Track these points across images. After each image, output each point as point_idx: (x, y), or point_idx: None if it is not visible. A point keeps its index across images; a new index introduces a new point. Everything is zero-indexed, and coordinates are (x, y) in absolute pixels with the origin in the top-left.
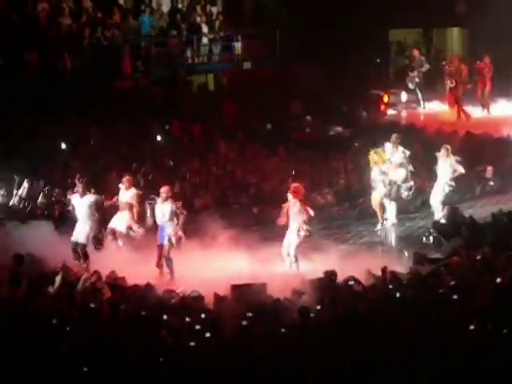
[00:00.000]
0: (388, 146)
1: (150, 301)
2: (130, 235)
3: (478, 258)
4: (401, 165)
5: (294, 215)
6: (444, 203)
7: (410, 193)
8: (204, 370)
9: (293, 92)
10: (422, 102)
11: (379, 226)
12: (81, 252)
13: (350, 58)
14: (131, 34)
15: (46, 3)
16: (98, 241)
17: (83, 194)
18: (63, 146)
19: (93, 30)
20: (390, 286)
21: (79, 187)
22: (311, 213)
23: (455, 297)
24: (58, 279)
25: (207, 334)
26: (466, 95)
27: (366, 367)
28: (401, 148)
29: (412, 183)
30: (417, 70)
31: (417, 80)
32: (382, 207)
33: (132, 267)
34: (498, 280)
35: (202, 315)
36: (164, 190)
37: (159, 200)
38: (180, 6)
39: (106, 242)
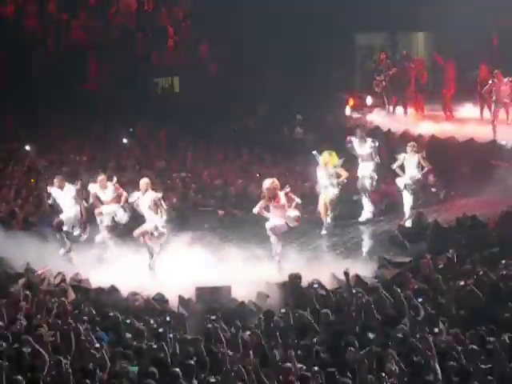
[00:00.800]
0: (355, 140)
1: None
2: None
3: (442, 261)
4: (369, 156)
5: (281, 207)
6: (413, 206)
7: (374, 183)
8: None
9: (259, 94)
10: (387, 106)
11: (324, 230)
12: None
13: (316, 61)
14: (96, 36)
15: (12, 5)
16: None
17: (62, 187)
18: (27, 147)
19: (58, 31)
20: (354, 291)
21: (57, 181)
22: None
23: (420, 300)
24: (20, 281)
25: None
26: (432, 98)
27: (328, 371)
28: (369, 139)
29: (375, 176)
30: (383, 74)
31: (383, 84)
32: (327, 209)
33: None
34: (462, 283)
35: (167, 318)
36: (143, 181)
37: (139, 193)
38: (146, 7)
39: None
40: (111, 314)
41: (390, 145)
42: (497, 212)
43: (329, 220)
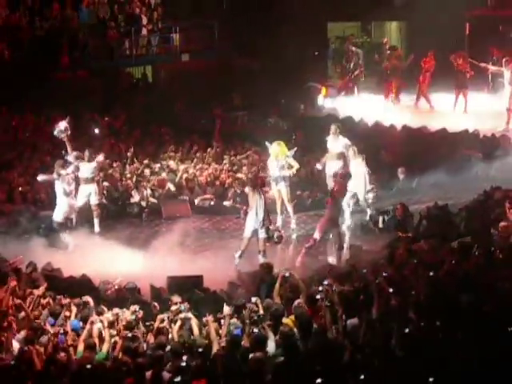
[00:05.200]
0: (330, 137)
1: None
2: None
3: (414, 250)
4: (339, 155)
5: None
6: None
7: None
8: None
9: (231, 84)
10: (357, 95)
11: (279, 221)
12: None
13: (288, 50)
14: (69, 25)
15: None
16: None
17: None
18: None
19: (31, 20)
20: (326, 281)
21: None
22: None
23: (391, 290)
24: None
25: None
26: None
27: (301, 360)
28: (342, 138)
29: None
30: (354, 63)
31: (355, 73)
32: (282, 202)
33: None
34: (431, 273)
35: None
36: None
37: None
38: None
39: None
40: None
41: (361, 134)
42: (468, 201)
43: (290, 210)
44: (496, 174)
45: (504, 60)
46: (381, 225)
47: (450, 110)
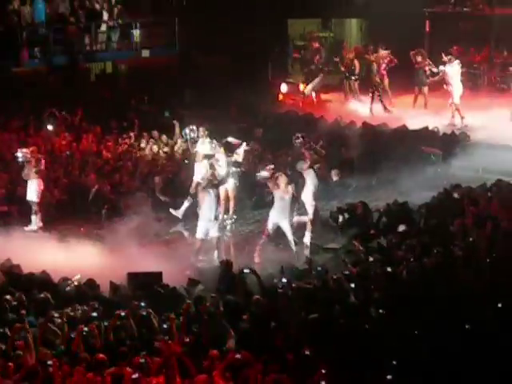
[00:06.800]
0: (200, 140)
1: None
2: None
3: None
4: (206, 157)
5: None
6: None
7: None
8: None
9: (190, 80)
10: (312, 92)
11: (228, 220)
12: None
13: (248, 46)
14: (29, 20)
15: None
16: None
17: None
18: None
19: None
20: (284, 279)
21: None
22: None
23: (352, 285)
24: None
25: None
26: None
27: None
28: (209, 140)
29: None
30: (315, 60)
31: (313, 69)
32: (228, 200)
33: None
34: (389, 269)
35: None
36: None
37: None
38: None
39: None
40: (41, 296)
41: (321, 130)
42: (427, 199)
43: (231, 207)
44: (455, 172)
45: (446, 58)
46: (340, 222)
47: (410, 108)
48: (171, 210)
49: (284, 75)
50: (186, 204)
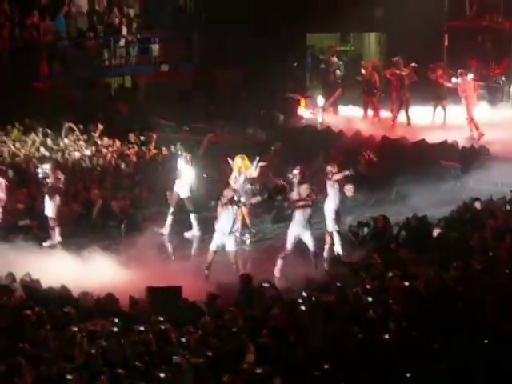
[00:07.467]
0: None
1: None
2: None
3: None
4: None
5: None
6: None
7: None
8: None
9: (210, 95)
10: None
11: (247, 235)
12: None
13: (267, 61)
14: (49, 35)
15: None
16: None
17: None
18: None
19: (11, 30)
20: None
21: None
22: None
23: (370, 299)
24: None
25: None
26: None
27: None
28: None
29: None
30: (333, 75)
31: (332, 83)
32: (244, 217)
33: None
34: (407, 284)
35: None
36: None
37: None
38: (97, 7)
39: None
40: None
41: (340, 145)
42: (446, 213)
43: (248, 223)
44: (475, 186)
45: (458, 72)
46: (360, 236)
47: (429, 122)
48: (185, 234)
49: (302, 89)
50: (193, 221)
